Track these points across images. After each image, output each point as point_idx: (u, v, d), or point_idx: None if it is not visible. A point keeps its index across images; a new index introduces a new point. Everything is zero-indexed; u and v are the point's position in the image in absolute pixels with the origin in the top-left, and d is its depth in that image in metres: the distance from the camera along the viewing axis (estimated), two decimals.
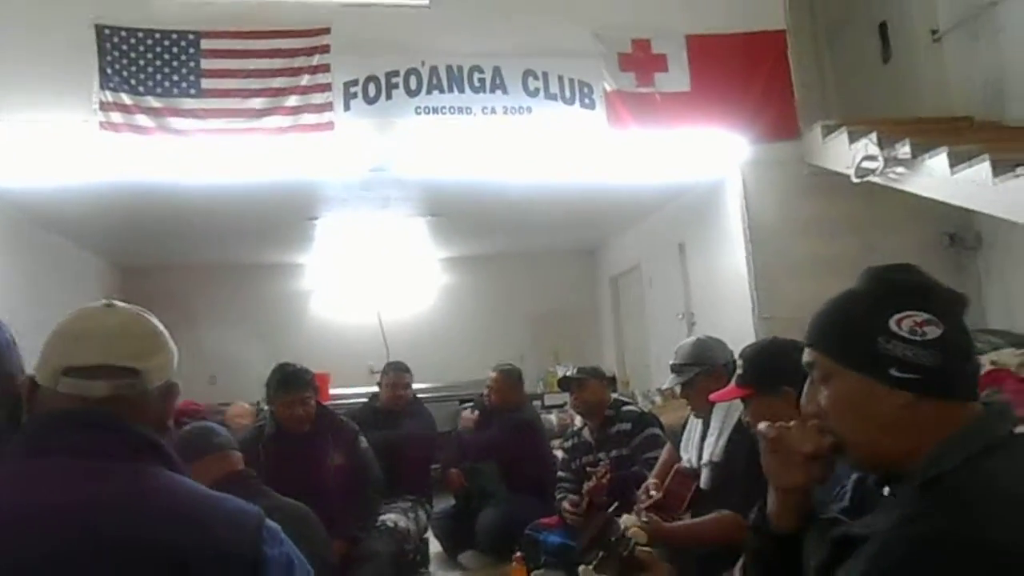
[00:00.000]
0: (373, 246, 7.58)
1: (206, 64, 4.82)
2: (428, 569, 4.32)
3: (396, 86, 4.98)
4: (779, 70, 5.41)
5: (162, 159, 4.73)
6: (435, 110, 5.02)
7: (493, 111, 5.07)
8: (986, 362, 4.48)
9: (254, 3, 5.00)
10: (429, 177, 5.41)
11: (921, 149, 4.50)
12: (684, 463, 2.89)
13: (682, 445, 2.96)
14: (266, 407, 3.86)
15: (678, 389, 2.90)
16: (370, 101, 4.96)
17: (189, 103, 4.77)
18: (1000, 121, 5.10)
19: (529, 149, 5.12)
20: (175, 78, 4.78)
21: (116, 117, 4.67)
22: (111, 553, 0.97)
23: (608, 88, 5.17)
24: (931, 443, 1.05)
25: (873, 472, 1.19)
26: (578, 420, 4.19)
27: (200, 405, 4.84)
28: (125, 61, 4.71)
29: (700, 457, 2.73)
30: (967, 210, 4.90)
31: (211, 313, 7.39)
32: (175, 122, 4.73)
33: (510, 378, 4.64)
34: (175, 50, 4.80)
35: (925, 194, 4.56)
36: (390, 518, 3.86)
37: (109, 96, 4.67)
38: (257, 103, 4.83)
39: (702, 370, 2.79)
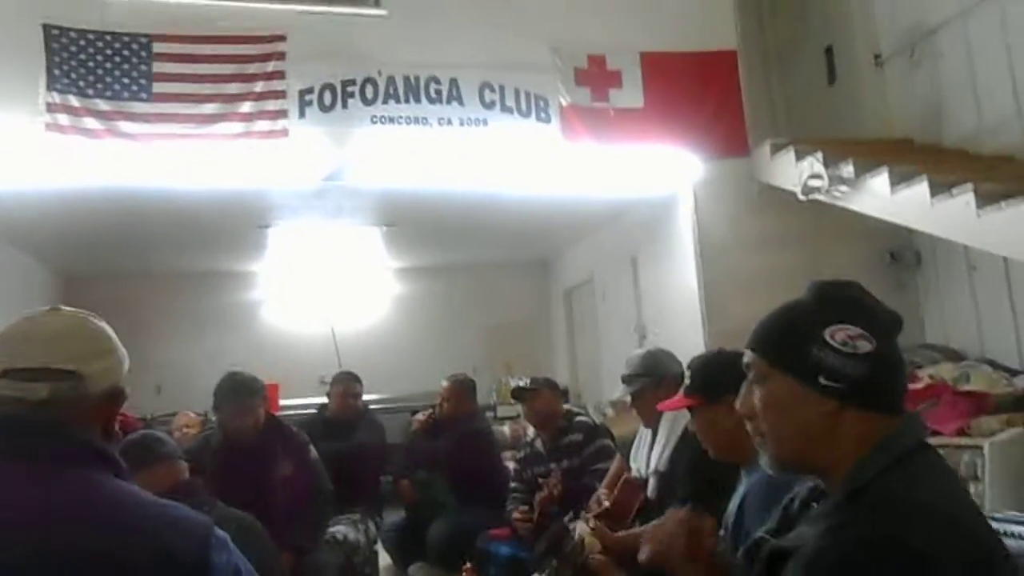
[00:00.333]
0: (326, 255, 7.52)
1: (158, 68, 4.74)
2: None
3: (352, 95, 4.97)
4: (730, 89, 5.54)
5: (110, 164, 4.63)
6: (391, 120, 5.01)
7: (449, 122, 5.09)
8: (924, 376, 4.64)
9: (208, 7, 4.94)
10: (384, 187, 5.40)
11: (864, 169, 4.66)
12: (634, 473, 2.93)
13: (632, 455, 3.00)
14: (213, 417, 3.79)
15: (628, 400, 2.94)
16: (325, 109, 4.93)
17: (139, 107, 4.69)
18: (938, 143, 5.29)
19: (484, 161, 5.14)
20: (125, 81, 4.69)
21: (63, 119, 4.56)
22: (59, 562, 0.96)
23: (564, 103, 5.23)
24: (851, 452, 1.12)
25: (792, 472, 1.25)
26: (531, 431, 4.21)
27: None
28: (74, 63, 4.61)
29: (648, 467, 2.78)
30: (907, 229, 5.08)
31: (158, 322, 7.24)
32: (125, 126, 4.64)
33: (462, 388, 4.63)
34: (126, 53, 4.71)
35: (867, 212, 4.71)
36: (339, 530, 3.81)
37: (56, 98, 4.56)
38: (210, 108, 4.77)
39: (651, 381, 2.84)
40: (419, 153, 5.05)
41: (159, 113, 4.71)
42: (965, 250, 4.93)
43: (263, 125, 4.84)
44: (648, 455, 2.80)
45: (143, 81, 4.72)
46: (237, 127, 4.79)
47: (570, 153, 5.21)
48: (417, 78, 5.07)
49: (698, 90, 5.48)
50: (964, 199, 3.97)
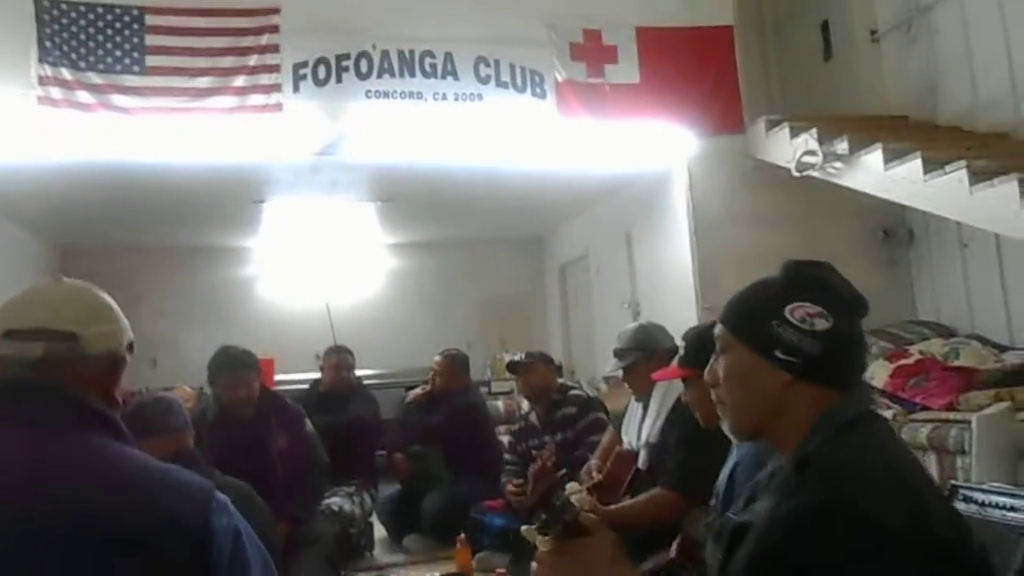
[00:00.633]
0: (321, 231, 7.51)
1: (151, 41, 4.71)
2: (373, 553, 4.33)
3: (347, 69, 4.94)
4: (726, 65, 5.52)
5: (104, 137, 4.61)
6: (385, 94, 4.99)
7: (444, 97, 5.07)
8: (914, 352, 4.69)
9: None
10: (378, 162, 5.39)
11: (858, 145, 4.66)
12: (625, 446, 2.97)
13: (623, 428, 3.04)
14: (209, 391, 3.82)
15: (620, 374, 2.97)
16: (320, 83, 4.91)
17: (133, 80, 4.66)
18: (933, 120, 5.30)
19: (479, 136, 5.13)
20: (118, 54, 4.66)
21: (55, 92, 4.53)
22: (61, 525, 0.97)
23: (559, 78, 5.21)
24: (802, 424, 1.18)
25: (746, 439, 1.34)
26: (525, 404, 4.26)
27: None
28: (66, 35, 4.57)
29: (639, 439, 2.81)
30: (901, 206, 5.10)
31: (153, 296, 7.23)
32: (118, 99, 4.62)
33: (455, 363, 4.67)
34: (118, 25, 4.67)
35: (861, 189, 4.72)
36: (335, 502, 3.86)
37: (48, 70, 4.53)
38: (203, 82, 4.74)
39: (643, 355, 2.87)
40: (414, 128, 5.03)
41: (152, 86, 4.68)
42: (958, 227, 4.96)
43: (257, 99, 4.81)
44: (639, 428, 2.84)
45: (136, 54, 4.69)
46: (231, 101, 4.77)
47: (565, 128, 5.20)
48: (412, 52, 5.04)
49: (694, 66, 5.46)
50: (957, 176, 3.99)
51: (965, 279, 5.10)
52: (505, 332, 8.10)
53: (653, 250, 6.06)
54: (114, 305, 1.23)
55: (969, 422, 3.69)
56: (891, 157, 4.43)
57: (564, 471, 2.73)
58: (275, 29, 4.84)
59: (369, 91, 4.95)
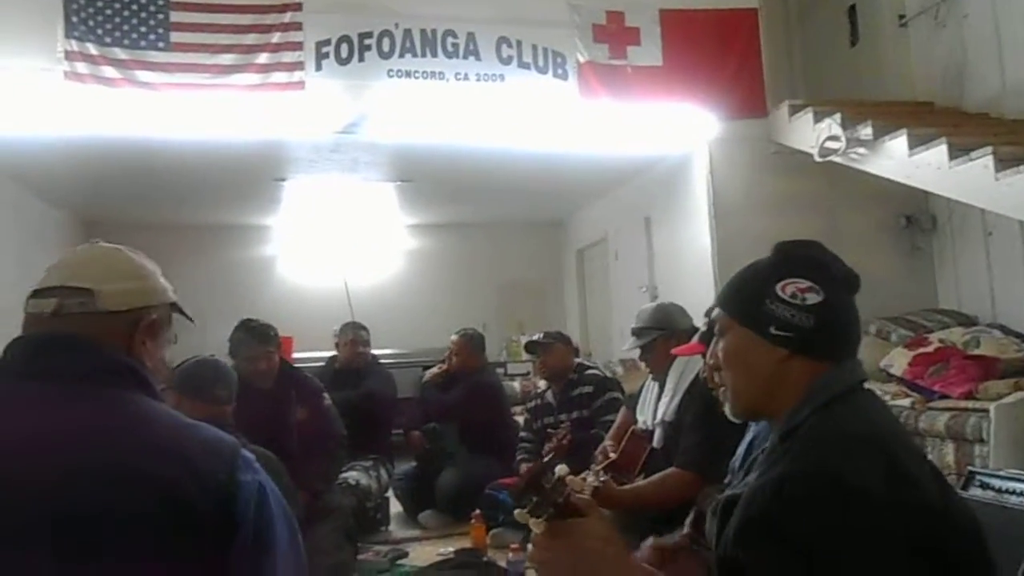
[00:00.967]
0: (341, 210, 7.55)
1: (175, 17, 4.73)
2: (388, 528, 4.38)
3: (369, 48, 4.95)
4: (750, 48, 5.47)
5: (128, 113, 4.65)
6: (407, 74, 4.99)
7: (466, 77, 5.06)
8: (934, 340, 4.65)
9: None
10: (399, 142, 5.40)
11: (882, 131, 4.61)
12: (640, 425, 2.98)
13: (638, 407, 3.05)
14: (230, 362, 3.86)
15: (637, 352, 2.98)
16: (342, 62, 4.92)
17: (157, 56, 4.69)
18: (959, 107, 5.23)
19: (500, 117, 5.12)
20: (143, 30, 4.69)
21: (81, 67, 4.57)
22: (90, 480, 0.98)
23: (581, 59, 5.19)
24: (794, 398, 1.20)
25: (749, 418, 1.38)
26: (542, 383, 4.27)
27: None
28: (91, 10, 4.61)
29: (655, 418, 2.82)
30: (924, 193, 5.05)
31: (174, 272, 6.97)
32: (142, 75, 4.65)
33: (472, 342, 4.69)
34: (143, 1, 4.70)
35: (884, 175, 4.68)
36: (352, 476, 3.91)
37: (75, 45, 4.57)
38: (227, 59, 4.76)
39: (661, 334, 2.87)
40: (435, 108, 5.03)
41: (176, 63, 4.71)
42: (982, 214, 4.91)
43: (280, 77, 4.83)
44: (655, 407, 2.85)
45: (161, 30, 4.71)
46: (254, 78, 4.79)
47: (586, 111, 5.19)
48: (434, 31, 5.04)
49: (718, 49, 5.42)
50: (983, 162, 3.94)
51: (988, 267, 5.05)
52: (522, 315, 8.12)
53: (672, 234, 6.05)
54: (146, 266, 1.24)
55: (988, 411, 3.68)
56: (916, 143, 4.38)
57: (552, 454, 2.75)
58: (298, 7, 4.85)
59: (391, 70, 4.96)
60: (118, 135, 4.82)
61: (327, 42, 4.88)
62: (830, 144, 4.81)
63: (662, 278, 6.26)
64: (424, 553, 3.75)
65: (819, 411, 1.16)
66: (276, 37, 4.83)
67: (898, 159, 4.50)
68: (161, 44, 4.71)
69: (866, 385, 1.25)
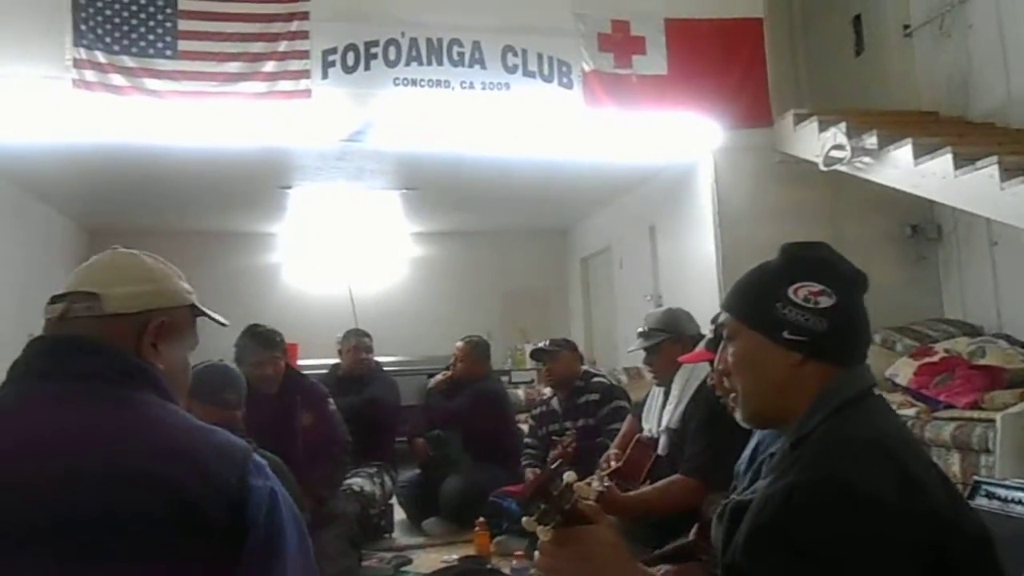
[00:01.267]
0: (346, 218, 7.57)
1: (183, 25, 4.77)
2: (392, 535, 4.37)
3: (375, 56, 4.97)
4: (755, 58, 5.49)
5: (135, 120, 4.67)
6: (413, 82, 5.02)
7: (471, 86, 5.09)
8: (940, 350, 4.64)
9: None
10: (405, 150, 5.42)
11: (887, 140, 4.62)
12: (646, 433, 2.98)
13: (644, 415, 3.04)
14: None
15: (642, 354, 2.98)
16: (348, 70, 4.94)
17: (165, 64, 4.72)
18: (964, 116, 5.23)
19: (506, 125, 5.14)
20: (151, 38, 4.72)
21: (90, 75, 4.61)
22: (95, 482, 0.98)
23: (586, 68, 5.21)
24: (806, 403, 1.18)
25: (760, 425, 1.33)
26: (547, 389, 4.27)
27: None
28: (100, 18, 4.65)
29: (660, 425, 2.82)
30: (929, 203, 5.05)
31: None
32: (150, 83, 4.68)
33: (476, 349, 4.69)
34: (151, 9, 4.74)
35: (890, 184, 4.68)
36: (356, 482, 3.91)
37: (83, 53, 4.60)
38: (234, 67, 4.80)
39: (669, 337, 2.87)
40: (441, 116, 5.05)
41: (184, 70, 4.75)
42: (987, 223, 4.90)
43: (286, 85, 4.86)
44: (660, 414, 2.84)
45: (168, 38, 4.75)
46: (260, 86, 4.82)
47: (591, 119, 5.20)
48: (440, 40, 5.06)
49: (722, 58, 5.44)
50: (988, 171, 3.94)
51: (994, 277, 5.04)
52: (526, 323, 8.12)
53: (677, 243, 6.05)
54: (160, 270, 1.24)
55: (993, 421, 3.66)
56: (921, 152, 4.38)
57: (559, 461, 2.74)
58: (305, 16, 4.89)
59: (397, 79, 4.99)
60: (125, 142, 4.84)
61: (333, 50, 4.91)
62: (835, 153, 4.82)
63: (667, 287, 6.26)
64: (428, 560, 3.74)
65: (830, 417, 1.14)
66: (283, 46, 4.86)
67: (903, 168, 4.51)
68: (169, 52, 4.75)
69: (875, 391, 1.24)
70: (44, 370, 1.10)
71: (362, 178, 6.17)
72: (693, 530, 2.15)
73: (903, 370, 4.55)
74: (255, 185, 6.26)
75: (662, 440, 2.79)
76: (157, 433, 1.06)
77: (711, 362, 2.11)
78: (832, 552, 0.99)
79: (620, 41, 5.32)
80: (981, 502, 2.63)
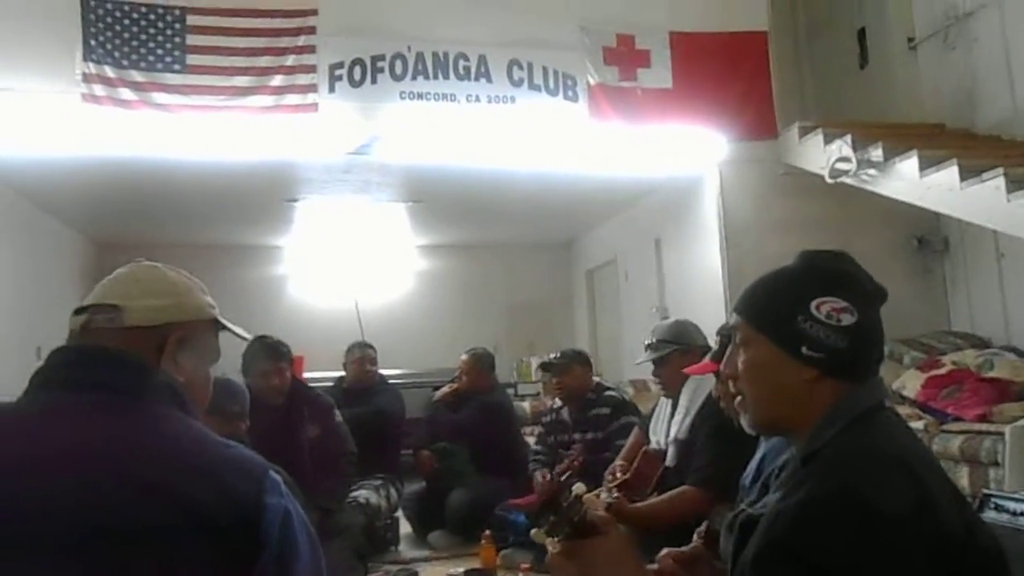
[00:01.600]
0: (352, 231, 7.60)
1: (192, 40, 4.81)
2: (398, 548, 4.36)
3: (382, 70, 5.00)
4: (760, 71, 5.51)
5: (144, 134, 4.71)
6: (419, 96, 5.05)
7: (477, 99, 5.12)
8: (947, 362, 4.63)
9: None
10: (411, 163, 5.45)
11: (893, 153, 4.62)
12: (653, 445, 2.97)
13: (651, 427, 3.04)
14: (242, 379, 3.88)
15: (650, 366, 2.97)
16: (355, 84, 4.97)
17: (173, 78, 4.76)
18: (970, 129, 5.24)
19: (511, 139, 5.17)
20: (160, 53, 4.76)
21: (99, 90, 4.64)
22: (113, 493, 0.97)
23: (591, 81, 5.24)
24: (817, 417, 1.16)
25: (767, 433, 1.32)
26: (557, 400, 4.25)
27: None
28: (110, 33, 4.69)
29: (668, 436, 2.81)
30: (935, 215, 5.04)
31: None
32: (159, 97, 4.72)
33: (481, 361, 4.69)
34: (160, 25, 4.78)
35: (895, 197, 4.68)
36: (361, 494, 3.90)
37: (92, 68, 4.64)
38: (242, 81, 4.83)
39: (678, 348, 2.87)
40: (447, 129, 5.08)
41: (192, 85, 4.78)
42: (994, 236, 4.89)
43: (293, 99, 4.89)
44: (668, 425, 2.84)
45: (177, 53, 4.79)
46: (268, 100, 4.85)
47: (597, 132, 5.22)
48: (446, 54, 5.10)
49: (727, 71, 5.46)
50: (994, 184, 3.94)
51: (1001, 289, 5.03)
52: (532, 336, 8.11)
53: (683, 255, 6.05)
54: (183, 284, 1.24)
55: (1002, 434, 3.64)
56: (927, 164, 4.39)
57: (569, 473, 2.74)
58: (312, 30, 4.92)
59: (403, 92, 5.01)
60: (133, 156, 4.88)
61: (340, 65, 4.94)
62: (841, 165, 4.82)
63: (672, 299, 6.26)
64: (434, 573, 3.73)
65: (842, 432, 1.13)
66: (290, 60, 4.89)
67: (909, 180, 4.51)
68: (177, 66, 4.78)
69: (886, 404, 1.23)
70: (64, 380, 1.10)
71: (368, 191, 6.20)
72: (698, 531, 2.14)
73: (911, 383, 4.54)
74: (262, 198, 6.29)
75: (670, 451, 2.79)
76: (175, 446, 1.05)
77: (717, 374, 2.11)
78: (842, 568, 0.98)
79: (625, 55, 5.35)
80: (990, 515, 2.62)
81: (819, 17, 6.58)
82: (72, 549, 0.95)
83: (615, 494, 2.62)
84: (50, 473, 0.99)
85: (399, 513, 4.53)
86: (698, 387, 2.68)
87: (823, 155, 4.97)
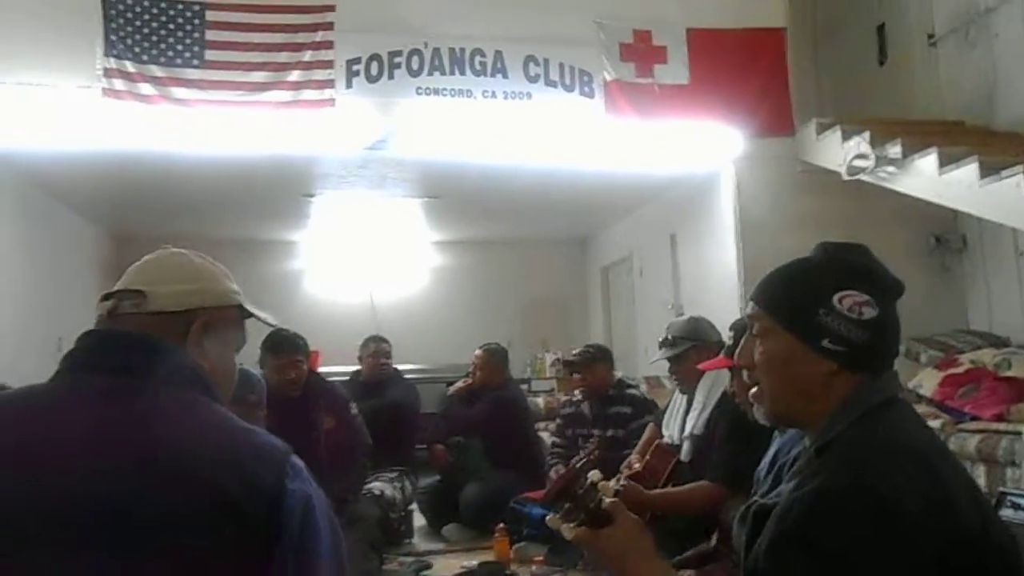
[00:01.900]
0: (368, 226, 7.63)
1: (210, 35, 4.84)
2: (412, 540, 4.39)
3: (398, 66, 5.02)
4: (777, 67, 5.47)
5: (162, 129, 4.75)
6: (436, 91, 5.05)
7: (493, 95, 5.11)
8: (965, 361, 4.59)
9: None
10: (427, 158, 5.46)
11: (911, 150, 4.58)
12: (666, 440, 2.98)
13: (664, 422, 3.04)
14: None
15: (666, 363, 2.98)
16: (372, 80, 4.99)
17: (192, 73, 4.79)
18: (990, 126, 5.19)
19: (527, 135, 5.16)
20: (179, 48, 4.80)
21: (119, 84, 4.68)
22: (146, 477, 0.98)
23: (608, 77, 5.22)
24: (835, 408, 1.17)
25: (783, 425, 1.33)
26: (578, 392, 4.24)
27: None
28: (130, 29, 4.73)
29: (682, 431, 2.82)
30: (953, 213, 5.00)
31: None
32: (177, 92, 4.75)
33: (494, 357, 4.71)
34: (180, 20, 4.81)
35: (913, 194, 4.64)
36: (376, 486, 3.93)
37: (113, 63, 4.68)
38: (259, 76, 4.85)
39: (694, 345, 2.88)
40: (463, 126, 5.09)
41: (211, 80, 4.81)
42: (1014, 234, 4.85)
43: (311, 94, 4.90)
44: (683, 421, 2.84)
45: (196, 48, 4.82)
46: (285, 96, 4.87)
47: (613, 129, 5.21)
48: (462, 50, 5.10)
49: (744, 68, 5.43)
50: (1014, 181, 3.90)
51: (1020, 288, 4.98)
52: (546, 333, 8.13)
53: (698, 252, 6.04)
54: (208, 270, 1.25)
55: (1020, 433, 3.62)
56: (946, 161, 4.35)
57: (584, 460, 2.73)
58: (329, 26, 4.94)
59: (420, 88, 5.02)
60: (151, 150, 4.92)
61: (357, 60, 4.96)
62: (858, 162, 4.79)
63: (688, 296, 6.24)
64: (448, 566, 3.75)
65: (856, 423, 1.13)
66: (308, 55, 4.91)
67: (928, 177, 4.47)
68: (196, 62, 4.82)
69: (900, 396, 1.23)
70: (88, 363, 1.11)
71: (384, 187, 6.22)
72: (714, 537, 2.15)
73: (927, 381, 4.51)
74: (278, 193, 6.33)
75: (685, 446, 2.79)
76: (198, 430, 1.06)
77: (732, 369, 2.12)
78: (854, 559, 0.98)
79: (642, 51, 5.33)
80: (1006, 513, 2.61)
81: (837, 13, 6.53)
82: (93, 534, 0.95)
83: (622, 482, 2.62)
84: (73, 456, 1.00)
85: (413, 506, 4.55)
86: (714, 383, 2.68)
87: (840, 152, 4.94)
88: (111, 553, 0.95)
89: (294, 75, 4.89)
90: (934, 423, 4.11)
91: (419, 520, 4.61)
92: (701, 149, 5.45)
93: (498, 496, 4.04)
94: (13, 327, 5.14)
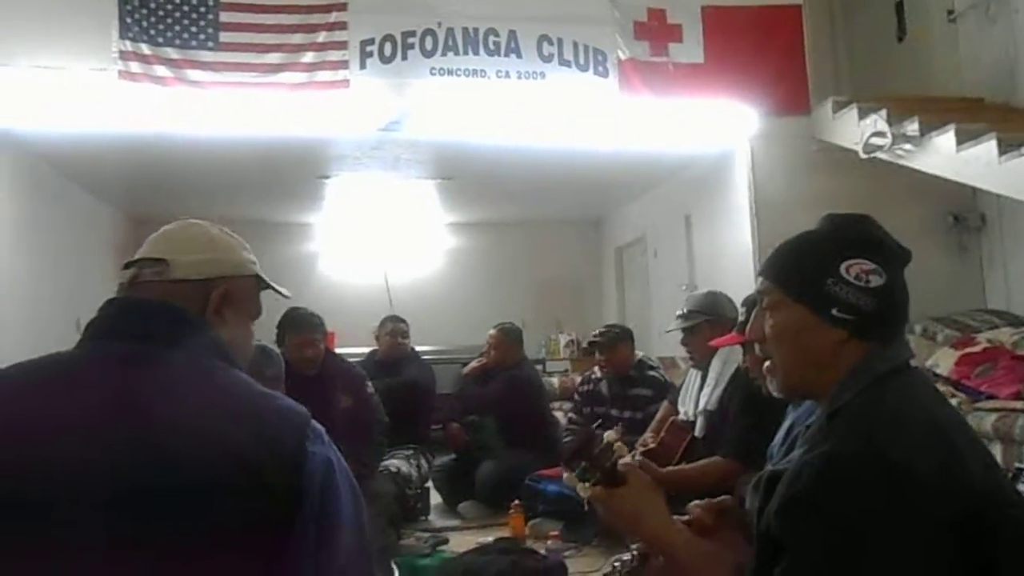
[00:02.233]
0: (382, 207, 7.65)
1: (225, 17, 4.85)
2: (428, 518, 4.43)
3: (412, 46, 5.01)
4: (793, 45, 5.42)
5: (178, 111, 4.77)
6: (449, 72, 5.04)
7: (507, 75, 5.10)
8: (982, 340, 4.56)
9: None
10: (441, 139, 5.46)
11: (929, 127, 4.53)
12: (681, 416, 2.99)
13: (680, 399, 3.05)
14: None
15: (680, 335, 2.98)
16: (386, 60, 4.98)
17: (207, 55, 4.80)
18: (1010, 103, 5.11)
19: (541, 115, 5.15)
20: (193, 30, 4.81)
21: (135, 67, 4.71)
22: (169, 442, 0.99)
23: (622, 56, 5.19)
24: (845, 375, 1.18)
25: (796, 397, 1.34)
26: (597, 370, 4.25)
27: None
28: (145, 11, 4.75)
29: (697, 407, 2.83)
30: (972, 191, 4.95)
31: None
32: (192, 74, 4.77)
33: (509, 336, 4.73)
34: (194, 2, 4.82)
35: (931, 171, 4.60)
36: (393, 464, 3.97)
37: (129, 46, 4.71)
38: (274, 58, 4.86)
39: (709, 320, 2.88)
40: (477, 106, 5.07)
41: (225, 62, 4.82)
42: None
43: (325, 75, 4.91)
44: (697, 396, 2.85)
45: (211, 30, 4.83)
46: (300, 77, 4.88)
47: (627, 108, 5.18)
48: (476, 30, 5.08)
49: (760, 46, 5.38)
50: None
51: None
52: (561, 313, 8.14)
53: (713, 232, 6.01)
54: (225, 240, 1.28)
55: None
56: (964, 138, 4.29)
57: (600, 421, 2.75)
58: (343, 7, 4.94)
59: (433, 68, 5.01)
60: (167, 132, 4.95)
61: (371, 41, 4.95)
62: (875, 140, 4.74)
63: (702, 276, 6.22)
64: (464, 542, 3.78)
65: (867, 389, 1.14)
66: (322, 36, 4.91)
67: (946, 155, 4.42)
68: (211, 44, 4.83)
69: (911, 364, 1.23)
70: (111, 330, 1.13)
71: (398, 168, 6.23)
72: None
73: (944, 360, 4.48)
74: (293, 175, 6.35)
75: (699, 422, 2.80)
76: (219, 395, 1.07)
77: (743, 345, 2.12)
78: (863, 523, 0.99)
79: (656, 29, 5.29)
80: (1022, 489, 2.61)
81: None
82: (114, 502, 0.96)
83: (637, 458, 2.64)
84: (93, 422, 1.00)
85: (429, 484, 4.60)
86: (728, 359, 2.68)
87: (857, 130, 4.89)
88: (133, 520, 0.96)
89: (308, 56, 4.90)
90: (951, 402, 4.09)
91: (435, 498, 4.66)
92: (716, 128, 5.42)
93: (513, 474, 4.08)
94: (31, 308, 5.21)
